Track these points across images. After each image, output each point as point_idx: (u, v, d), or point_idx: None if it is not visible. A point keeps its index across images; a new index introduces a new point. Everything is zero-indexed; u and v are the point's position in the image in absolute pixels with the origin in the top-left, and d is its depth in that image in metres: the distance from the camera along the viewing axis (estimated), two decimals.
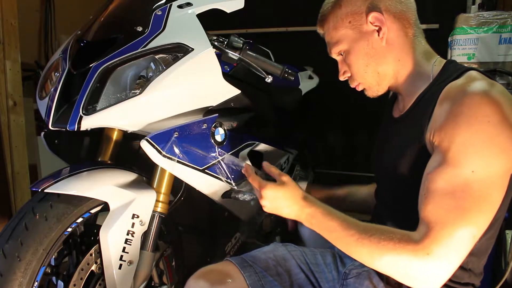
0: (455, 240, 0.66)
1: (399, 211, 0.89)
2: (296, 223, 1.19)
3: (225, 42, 1.01)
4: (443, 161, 0.69)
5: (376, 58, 0.88)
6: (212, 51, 0.90)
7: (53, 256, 0.83)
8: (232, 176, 1.04)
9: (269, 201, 0.85)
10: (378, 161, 0.99)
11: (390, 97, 1.06)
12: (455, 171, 0.67)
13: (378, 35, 0.86)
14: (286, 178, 0.87)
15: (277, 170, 0.90)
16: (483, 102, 0.67)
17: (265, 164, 0.92)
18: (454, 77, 0.78)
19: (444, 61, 0.87)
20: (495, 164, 0.66)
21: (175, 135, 0.87)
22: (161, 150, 0.85)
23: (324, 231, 0.79)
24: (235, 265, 0.91)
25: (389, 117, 0.99)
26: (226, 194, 1.05)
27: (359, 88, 0.95)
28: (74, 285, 0.85)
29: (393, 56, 0.87)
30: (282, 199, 0.84)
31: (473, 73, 0.78)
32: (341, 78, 0.96)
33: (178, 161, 0.89)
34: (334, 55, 0.95)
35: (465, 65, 0.84)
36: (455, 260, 0.67)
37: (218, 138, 0.97)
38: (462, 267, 0.80)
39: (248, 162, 1.02)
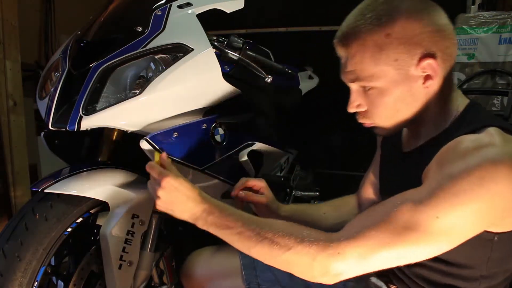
0: (374, 256, 0.65)
1: None
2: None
3: (225, 42, 1.01)
4: (417, 193, 0.67)
5: (411, 106, 0.75)
6: (212, 51, 0.90)
7: (53, 256, 0.83)
8: (232, 176, 1.04)
9: (167, 193, 0.75)
10: (389, 195, 0.95)
11: None
12: (421, 207, 0.64)
13: (424, 83, 0.73)
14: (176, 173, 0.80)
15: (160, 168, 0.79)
16: (486, 167, 0.62)
17: (148, 165, 0.80)
18: (471, 129, 0.70)
19: (466, 102, 0.78)
20: (461, 224, 0.64)
21: (175, 135, 0.87)
22: (161, 150, 0.85)
23: (221, 228, 0.73)
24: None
25: (396, 148, 0.90)
26: (226, 194, 1.05)
27: (367, 125, 0.82)
28: (74, 285, 0.85)
29: (428, 104, 0.76)
30: (180, 193, 0.76)
31: (492, 131, 0.68)
32: (351, 110, 0.81)
33: (178, 161, 0.89)
34: (354, 85, 0.78)
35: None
36: (361, 267, 0.66)
37: (218, 138, 0.97)
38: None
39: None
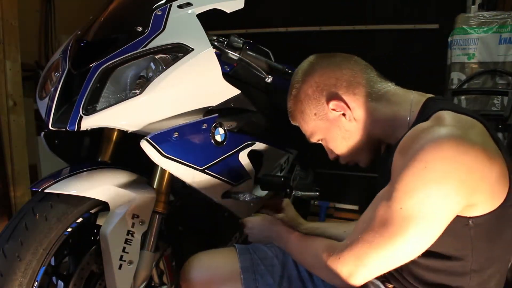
0: (367, 258, 0.71)
1: None
2: None
3: (225, 42, 1.01)
4: (385, 191, 0.73)
5: (354, 137, 0.89)
6: (212, 51, 0.90)
7: (53, 256, 0.83)
8: (232, 176, 1.04)
9: (253, 227, 1.05)
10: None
11: None
12: (388, 203, 0.70)
13: (345, 118, 0.87)
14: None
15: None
16: (427, 149, 0.67)
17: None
18: (424, 119, 0.76)
19: (423, 98, 0.84)
20: (425, 208, 0.67)
21: (175, 135, 0.87)
22: (161, 150, 0.85)
23: (284, 245, 0.95)
24: (236, 250, 1.00)
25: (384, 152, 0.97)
26: (226, 194, 1.05)
27: (351, 164, 0.96)
28: (74, 285, 0.85)
29: (368, 126, 0.87)
30: (262, 224, 1.04)
31: (441, 114, 0.74)
32: (332, 159, 0.98)
33: (178, 161, 0.89)
34: (315, 142, 0.97)
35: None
36: (362, 271, 0.72)
37: (218, 138, 0.97)
38: None
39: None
